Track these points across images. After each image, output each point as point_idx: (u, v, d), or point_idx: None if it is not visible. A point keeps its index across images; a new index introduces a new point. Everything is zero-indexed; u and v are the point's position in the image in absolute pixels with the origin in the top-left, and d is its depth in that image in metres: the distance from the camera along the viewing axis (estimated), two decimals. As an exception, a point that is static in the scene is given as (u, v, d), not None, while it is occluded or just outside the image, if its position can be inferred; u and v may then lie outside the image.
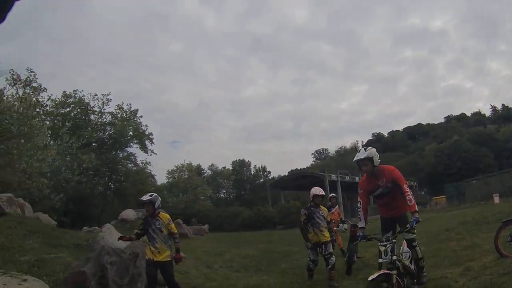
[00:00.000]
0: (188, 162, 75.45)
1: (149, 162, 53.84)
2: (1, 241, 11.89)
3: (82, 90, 48.77)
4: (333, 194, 18.73)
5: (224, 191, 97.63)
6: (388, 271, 6.82)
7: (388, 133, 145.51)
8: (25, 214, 18.18)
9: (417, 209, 7.66)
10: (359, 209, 8.40)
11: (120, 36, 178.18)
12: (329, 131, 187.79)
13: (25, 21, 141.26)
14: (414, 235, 8.06)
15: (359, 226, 8.39)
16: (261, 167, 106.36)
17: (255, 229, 45.67)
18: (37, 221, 17.79)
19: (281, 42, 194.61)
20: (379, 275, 6.64)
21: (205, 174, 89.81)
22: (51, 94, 43.56)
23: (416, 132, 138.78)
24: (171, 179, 72.29)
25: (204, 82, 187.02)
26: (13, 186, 26.62)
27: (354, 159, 8.18)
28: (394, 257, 7.04)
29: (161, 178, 76.13)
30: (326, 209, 12.50)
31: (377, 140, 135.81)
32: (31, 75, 29.85)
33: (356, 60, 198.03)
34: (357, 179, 60.27)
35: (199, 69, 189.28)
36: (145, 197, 9.67)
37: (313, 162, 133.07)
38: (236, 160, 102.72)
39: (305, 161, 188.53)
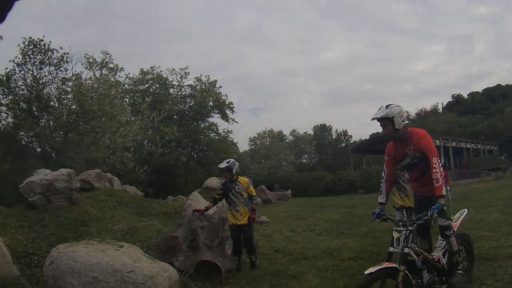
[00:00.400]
0: (270, 129, 76.11)
1: (231, 131, 54.83)
2: (94, 213, 12.49)
3: (159, 66, 50.03)
4: None
5: (306, 156, 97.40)
6: (393, 265, 5.51)
7: (468, 95, 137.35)
8: (113, 187, 18.91)
9: (444, 193, 5.84)
10: (382, 179, 6.92)
11: (192, 10, 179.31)
12: (408, 93, 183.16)
13: (96, 6, 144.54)
14: (450, 221, 6.36)
15: (378, 201, 6.81)
16: (342, 131, 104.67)
17: (337, 194, 45.71)
18: (125, 193, 18.45)
19: (356, 4, 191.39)
20: (380, 269, 5.36)
21: (287, 140, 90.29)
22: (128, 73, 44.95)
23: (496, 94, 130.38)
24: (253, 146, 73.19)
25: (281, 49, 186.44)
26: (99, 162, 27.74)
27: (372, 117, 6.54)
28: (406, 250, 5.60)
29: (243, 146, 76.96)
30: None
31: (457, 102, 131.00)
32: (106, 57, 31.19)
33: (431, 19, 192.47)
34: (437, 142, 58.62)
35: (276, 37, 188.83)
36: (222, 164, 10.09)
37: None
38: (317, 125, 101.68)
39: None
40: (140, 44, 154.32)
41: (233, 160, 10.41)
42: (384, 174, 6.87)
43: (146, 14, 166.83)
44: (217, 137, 52.64)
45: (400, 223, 5.86)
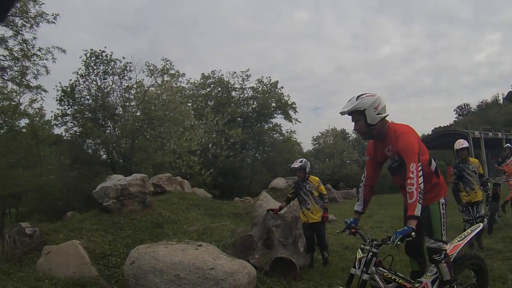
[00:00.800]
0: (333, 127, 75.67)
1: (294, 131, 54.45)
2: (168, 215, 12.86)
3: (220, 70, 50.53)
4: (509, 144, 16.78)
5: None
6: None
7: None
8: (184, 190, 19.30)
9: (416, 214, 4.42)
10: (361, 183, 5.69)
11: (245, 11, 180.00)
12: (468, 85, 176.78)
13: (149, 14, 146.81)
14: (440, 243, 5.06)
15: (355, 208, 5.66)
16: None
17: (402, 191, 44.88)
18: (195, 195, 18.73)
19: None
20: None
21: (350, 138, 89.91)
22: (190, 78, 45.57)
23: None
24: (316, 145, 72.91)
25: (337, 46, 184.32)
26: (166, 166, 28.36)
27: (340, 111, 5.12)
28: (365, 276, 4.57)
29: (307, 145, 76.78)
30: (476, 161, 11.50)
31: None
32: (167, 64, 31.81)
33: (484, 6, 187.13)
34: (499, 135, 57.37)
35: (330, 34, 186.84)
36: (296, 164, 10.27)
37: (456, 119, 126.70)
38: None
39: (447, 118, 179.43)
40: (196, 48, 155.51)
41: (305, 159, 10.64)
42: (364, 178, 5.67)
43: (198, 19, 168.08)
44: (281, 138, 52.59)
45: (368, 241, 4.80)
